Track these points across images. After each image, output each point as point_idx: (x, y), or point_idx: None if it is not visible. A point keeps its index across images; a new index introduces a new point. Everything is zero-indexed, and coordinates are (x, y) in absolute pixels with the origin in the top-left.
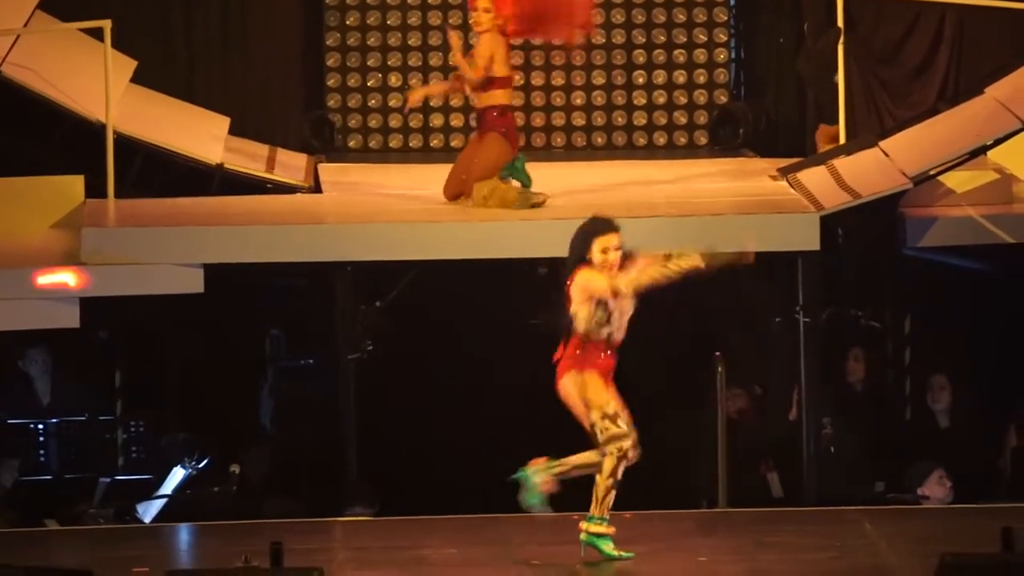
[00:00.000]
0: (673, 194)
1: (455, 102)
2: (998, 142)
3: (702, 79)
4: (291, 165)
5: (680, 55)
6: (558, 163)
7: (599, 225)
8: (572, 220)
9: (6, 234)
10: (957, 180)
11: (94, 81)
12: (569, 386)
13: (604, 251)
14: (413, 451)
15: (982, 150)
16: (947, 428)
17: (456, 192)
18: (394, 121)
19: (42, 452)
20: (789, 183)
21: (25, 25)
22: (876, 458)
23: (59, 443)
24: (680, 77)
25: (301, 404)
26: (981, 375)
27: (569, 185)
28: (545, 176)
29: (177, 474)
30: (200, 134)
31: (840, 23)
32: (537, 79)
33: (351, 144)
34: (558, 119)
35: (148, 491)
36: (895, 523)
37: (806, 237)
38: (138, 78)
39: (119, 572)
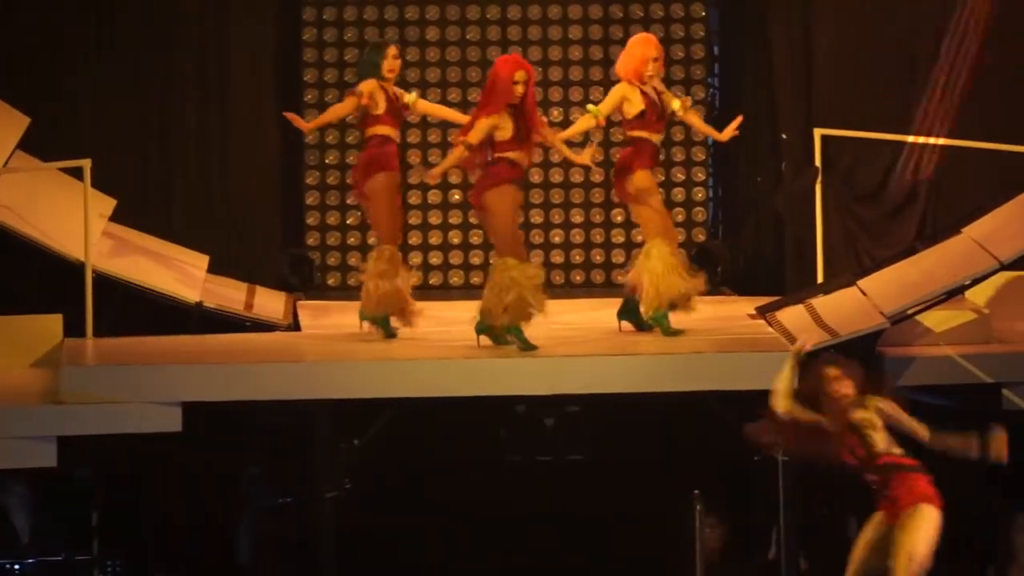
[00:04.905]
0: (653, 332)
1: (434, 239)
2: (975, 282)
3: (680, 217)
4: (270, 303)
5: None
6: None
7: None
8: (549, 359)
9: None
10: (935, 319)
11: (73, 220)
12: None
13: None
14: None
15: (960, 290)
16: None
17: None
18: None
19: None
20: (767, 322)
21: (5, 165)
22: None
23: None
24: None
25: (279, 542)
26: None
27: (548, 322)
28: None
29: None
30: (179, 272)
31: (818, 162)
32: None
33: (330, 282)
34: (535, 256)
35: None
36: None
37: None
38: (117, 216)
39: None
